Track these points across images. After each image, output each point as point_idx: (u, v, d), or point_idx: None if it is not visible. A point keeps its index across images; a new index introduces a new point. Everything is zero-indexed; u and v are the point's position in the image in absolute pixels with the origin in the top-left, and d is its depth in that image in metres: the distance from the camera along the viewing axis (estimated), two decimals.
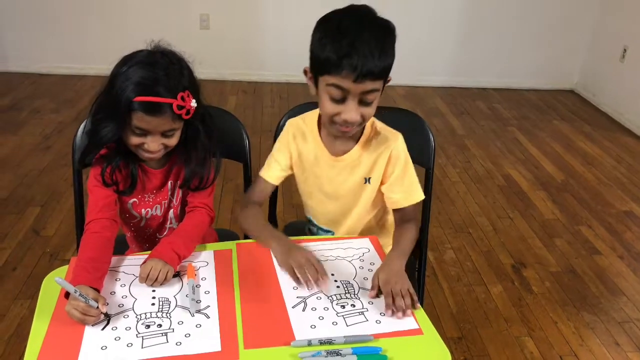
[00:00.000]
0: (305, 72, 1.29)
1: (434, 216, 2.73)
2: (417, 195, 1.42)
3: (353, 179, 1.41)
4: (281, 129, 1.64)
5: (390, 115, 1.48)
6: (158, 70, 1.19)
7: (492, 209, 2.95)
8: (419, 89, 4.58)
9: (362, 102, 1.21)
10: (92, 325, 1.07)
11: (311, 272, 1.18)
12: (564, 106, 4.58)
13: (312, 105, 1.78)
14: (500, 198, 3.07)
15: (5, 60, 4.40)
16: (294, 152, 1.43)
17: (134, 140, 1.24)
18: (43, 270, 2.23)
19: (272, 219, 1.77)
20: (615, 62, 4.35)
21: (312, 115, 1.42)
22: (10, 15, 4.30)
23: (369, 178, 1.40)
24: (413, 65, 4.58)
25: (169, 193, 1.40)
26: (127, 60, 1.22)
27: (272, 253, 1.29)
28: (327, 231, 1.52)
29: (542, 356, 2.01)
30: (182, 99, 1.19)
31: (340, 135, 1.33)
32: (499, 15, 4.61)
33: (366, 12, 1.22)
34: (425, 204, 1.67)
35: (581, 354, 2.03)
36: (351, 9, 1.22)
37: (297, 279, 1.20)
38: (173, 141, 1.27)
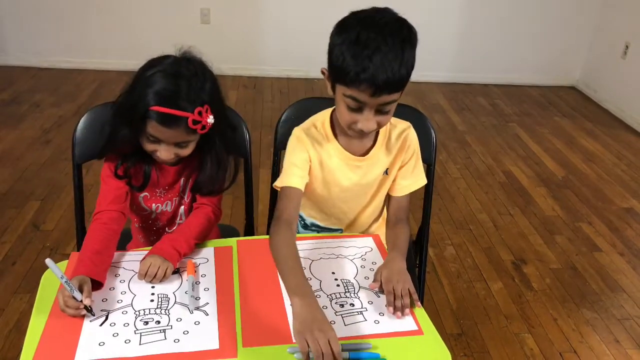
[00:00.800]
0: (322, 72, 1.27)
1: (434, 212, 2.72)
2: (423, 179, 1.44)
3: (375, 175, 1.40)
4: (282, 124, 1.64)
5: None
6: (180, 82, 1.17)
7: (492, 206, 2.94)
8: (421, 84, 4.57)
9: (379, 112, 1.21)
10: (90, 321, 1.06)
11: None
12: (565, 102, 4.56)
13: (313, 100, 1.78)
14: (500, 194, 3.06)
15: (6, 53, 4.38)
16: (315, 158, 1.36)
17: (148, 146, 1.24)
18: (43, 265, 2.18)
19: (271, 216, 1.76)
20: (617, 58, 4.34)
21: (322, 119, 1.38)
22: (11, 9, 4.28)
23: (387, 169, 1.41)
24: (415, 62, 4.57)
25: (180, 190, 1.40)
26: (153, 65, 1.21)
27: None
28: (335, 229, 1.50)
29: (542, 353, 2.01)
30: (200, 113, 1.17)
31: (358, 137, 1.33)
32: (501, 12, 4.58)
33: (387, 21, 1.17)
34: (426, 200, 1.67)
35: (581, 351, 2.03)
36: (372, 16, 1.17)
37: (307, 357, 1.00)
38: (187, 151, 1.27)
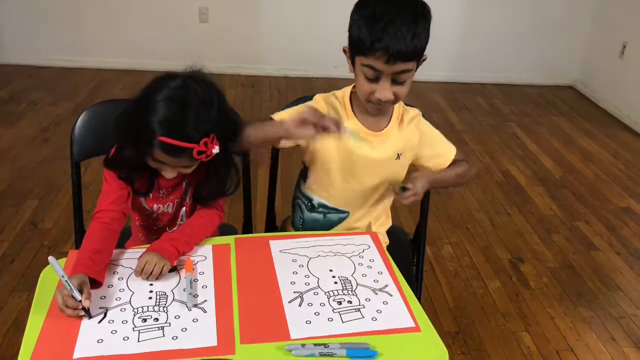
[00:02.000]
0: (344, 50, 1.34)
1: (432, 211, 2.69)
2: (452, 148, 1.51)
3: (386, 154, 1.42)
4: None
5: None
6: (186, 111, 1.16)
7: (490, 205, 2.95)
8: (418, 83, 4.55)
9: (395, 82, 1.27)
10: (89, 318, 1.07)
11: (325, 122, 1.19)
12: (563, 102, 4.57)
13: (300, 101, 1.78)
14: (498, 193, 3.07)
15: (3, 52, 4.38)
16: None
17: (152, 164, 1.24)
18: (41, 263, 2.22)
19: (271, 214, 1.77)
20: (615, 58, 4.35)
21: (343, 92, 1.43)
22: (9, 7, 4.27)
23: (400, 154, 1.43)
24: None
25: (183, 192, 1.40)
26: (159, 89, 1.18)
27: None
28: (343, 211, 1.50)
29: (539, 351, 2.01)
30: (205, 144, 1.17)
31: (375, 113, 1.38)
32: (499, 11, 4.59)
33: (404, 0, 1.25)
34: (424, 199, 1.67)
35: (578, 349, 2.04)
36: None
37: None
38: (190, 170, 1.27)
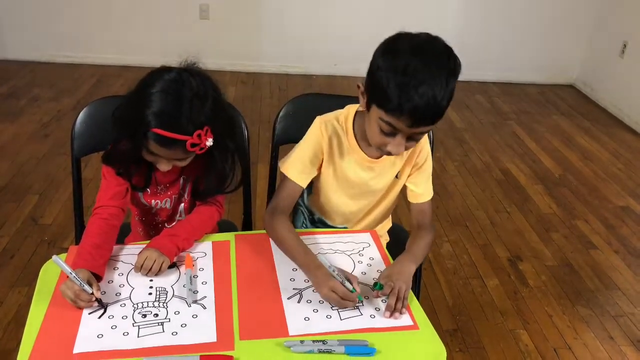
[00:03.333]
0: (358, 86, 1.25)
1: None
2: (431, 191, 1.45)
3: (387, 179, 1.40)
4: (281, 120, 1.64)
5: None
6: (180, 103, 1.16)
7: (489, 203, 2.96)
8: None
9: (411, 138, 1.21)
10: (89, 313, 1.07)
11: (338, 305, 1.14)
12: (563, 101, 4.57)
13: (311, 97, 1.79)
14: (497, 192, 3.08)
15: (4, 48, 4.38)
16: (327, 153, 1.36)
17: (148, 157, 1.25)
18: (41, 258, 2.23)
19: None
20: (615, 57, 4.35)
21: (346, 114, 1.36)
22: (9, 3, 4.27)
23: (399, 172, 1.41)
24: None
25: (180, 188, 1.41)
26: (154, 81, 1.19)
27: None
28: (342, 227, 1.51)
29: (537, 349, 2.02)
30: (199, 136, 1.17)
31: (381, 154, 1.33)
32: (499, 10, 4.59)
33: (437, 52, 1.14)
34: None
35: (575, 347, 2.04)
36: (422, 45, 1.14)
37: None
38: (185, 163, 1.27)
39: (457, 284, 2.33)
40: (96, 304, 1.08)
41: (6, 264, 2.21)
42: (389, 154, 1.24)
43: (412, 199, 1.44)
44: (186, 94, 1.17)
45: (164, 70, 1.21)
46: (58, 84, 4.06)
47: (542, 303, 2.26)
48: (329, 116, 1.37)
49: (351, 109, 1.36)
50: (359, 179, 1.39)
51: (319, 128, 1.35)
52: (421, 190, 1.42)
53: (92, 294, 1.07)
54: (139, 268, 1.19)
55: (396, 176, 1.41)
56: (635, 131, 4.05)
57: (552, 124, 4.10)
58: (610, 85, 4.43)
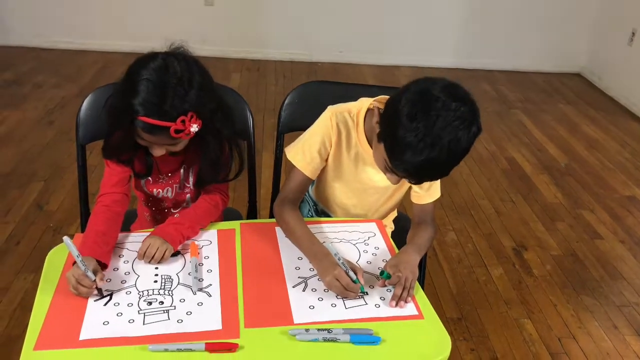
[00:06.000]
0: (376, 108, 1.24)
1: None
2: (438, 192, 1.43)
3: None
4: (286, 107, 1.63)
5: (384, 94, 1.43)
6: (164, 91, 1.15)
7: (494, 192, 2.94)
8: (425, 69, 4.53)
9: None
10: (95, 301, 1.08)
11: (341, 293, 1.14)
12: (569, 89, 4.54)
13: (317, 84, 1.77)
14: (503, 181, 3.06)
15: (7, 34, 4.36)
16: (335, 145, 1.34)
17: (141, 142, 1.24)
18: (46, 245, 2.24)
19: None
20: (623, 45, 4.30)
21: (359, 108, 1.33)
22: None
23: None
24: (419, 47, 4.54)
25: (182, 177, 1.40)
26: (140, 68, 1.18)
27: None
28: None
29: (541, 338, 2.02)
30: (183, 122, 1.16)
31: None
32: None
33: (461, 116, 1.09)
34: None
35: (579, 337, 2.04)
36: (455, 110, 1.08)
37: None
38: (178, 148, 1.26)
39: (461, 273, 2.33)
40: (96, 292, 1.08)
41: (12, 251, 2.22)
42: (390, 182, 1.25)
43: (414, 199, 1.42)
44: (170, 81, 1.16)
45: (150, 57, 1.20)
46: (62, 71, 4.05)
47: (546, 292, 2.26)
48: (341, 107, 1.35)
49: (364, 103, 1.33)
50: (365, 175, 1.38)
51: (330, 118, 1.33)
52: (424, 192, 1.40)
53: (94, 281, 1.07)
54: (142, 255, 1.19)
55: (397, 183, 1.39)
56: None
57: (559, 112, 4.07)
58: (618, 73, 4.39)
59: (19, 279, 2.08)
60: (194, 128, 1.18)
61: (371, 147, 1.31)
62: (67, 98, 3.59)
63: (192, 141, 1.26)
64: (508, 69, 4.76)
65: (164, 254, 1.19)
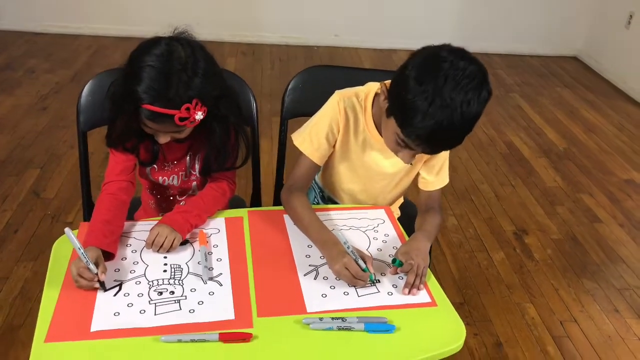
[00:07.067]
0: (383, 91, 1.19)
1: None
2: (446, 179, 1.41)
3: (401, 163, 1.34)
4: (290, 92, 1.61)
5: (389, 78, 1.41)
6: (168, 78, 1.12)
7: (494, 176, 2.94)
8: None
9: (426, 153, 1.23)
10: (105, 292, 1.06)
11: (349, 282, 1.13)
12: (566, 73, 4.52)
13: (320, 69, 1.74)
14: (502, 165, 3.06)
15: None
16: (343, 130, 1.32)
17: (146, 129, 1.21)
18: (45, 233, 2.22)
19: (279, 187, 1.75)
20: (621, 28, 4.28)
21: (367, 92, 1.31)
22: None
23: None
24: (416, 31, 4.49)
25: (187, 165, 1.38)
26: (143, 55, 1.15)
27: None
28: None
29: (543, 322, 2.03)
30: (187, 110, 1.13)
31: None
32: None
33: (472, 86, 1.07)
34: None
35: (581, 320, 2.06)
36: (456, 74, 1.06)
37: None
38: (182, 135, 1.24)
39: (463, 258, 2.33)
40: (97, 285, 1.05)
41: (10, 239, 2.19)
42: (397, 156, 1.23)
43: (422, 186, 1.41)
44: (174, 67, 1.13)
45: (153, 42, 1.17)
46: (54, 56, 3.98)
47: (547, 276, 2.27)
48: (349, 92, 1.32)
49: (372, 88, 1.31)
50: (372, 161, 1.36)
51: (337, 103, 1.30)
52: (432, 178, 1.39)
53: (97, 274, 1.05)
54: (151, 244, 1.17)
55: (410, 162, 1.38)
56: (639, 104, 4.01)
57: (556, 96, 4.06)
58: (615, 57, 4.38)
59: (18, 267, 2.06)
60: (199, 116, 1.16)
61: (379, 132, 1.29)
62: (61, 84, 3.53)
63: (197, 128, 1.24)
64: (505, 52, 4.74)
65: (172, 243, 1.17)
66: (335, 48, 4.51)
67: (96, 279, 1.05)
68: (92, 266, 1.04)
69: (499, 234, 2.50)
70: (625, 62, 4.23)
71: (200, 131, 1.28)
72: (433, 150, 1.21)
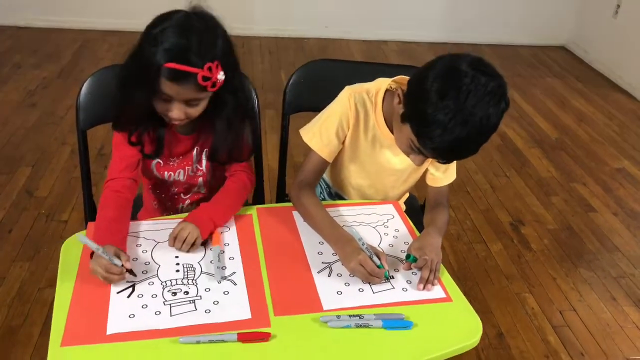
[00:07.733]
0: (398, 94, 1.18)
1: None
2: (454, 174, 1.42)
3: (408, 159, 1.33)
4: (291, 87, 1.59)
5: (390, 71, 1.38)
6: (190, 36, 1.11)
7: (488, 168, 2.96)
8: (412, 44, 4.50)
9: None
10: (117, 292, 1.04)
11: (365, 279, 1.12)
12: (555, 62, 4.55)
13: (322, 63, 1.73)
14: (496, 156, 3.08)
15: None
16: (353, 126, 1.32)
17: (160, 106, 1.19)
18: (39, 232, 2.18)
19: (282, 183, 1.74)
20: (608, 18, 4.32)
21: (377, 88, 1.30)
22: None
23: None
24: (406, 21, 4.49)
25: (194, 159, 1.36)
26: (162, 21, 1.14)
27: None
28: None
29: (543, 312, 2.05)
30: (210, 69, 1.11)
31: None
32: None
33: (492, 100, 1.07)
34: None
35: (580, 309, 2.08)
36: (477, 89, 1.05)
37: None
38: (197, 111, 1.21)
39: (461, 249, 2.35)
40: (128, 274, 1.06)
41: (5, 239, 2.15)
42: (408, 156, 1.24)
43: (430, 182, 1.41)
44: (196, 27, 1.13)
45: (172, 11, 1.17)
46: (40, 50, 3.90)
47: (545, 266, 2.29)
48: (359, 87, 1.31)
49: (382, 84, 1.30)
50: (382, 157, 1.35)
51: (348, 99, 1.29)
52: (441, 175, 1.39)
53: (123, 266, 1.04)
54: (174, 239, 1.16)
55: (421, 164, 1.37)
56: (628, 93, 4.05)
57: (546, 86, 4.09)
58: (603, 46, 4.41)
59: (14, 267, 2.03)
60: (220, 76, 1.14)
61: (390, 129, 1.28)
62: (49, 79, 3.46)
63: (205, 115, 1.22)
64: (494, 42, 4.75)
65: (195, 240, 1.16)
66: (325, 39, 4.48)
67: (125, 270, 1.05)
68: (116, 260, 1.04)
69: (496, 225, 2.51)
70: (613, 51, 4.27)
71: (205, 124, 1.26)
72: (448, 160, 1.22)
